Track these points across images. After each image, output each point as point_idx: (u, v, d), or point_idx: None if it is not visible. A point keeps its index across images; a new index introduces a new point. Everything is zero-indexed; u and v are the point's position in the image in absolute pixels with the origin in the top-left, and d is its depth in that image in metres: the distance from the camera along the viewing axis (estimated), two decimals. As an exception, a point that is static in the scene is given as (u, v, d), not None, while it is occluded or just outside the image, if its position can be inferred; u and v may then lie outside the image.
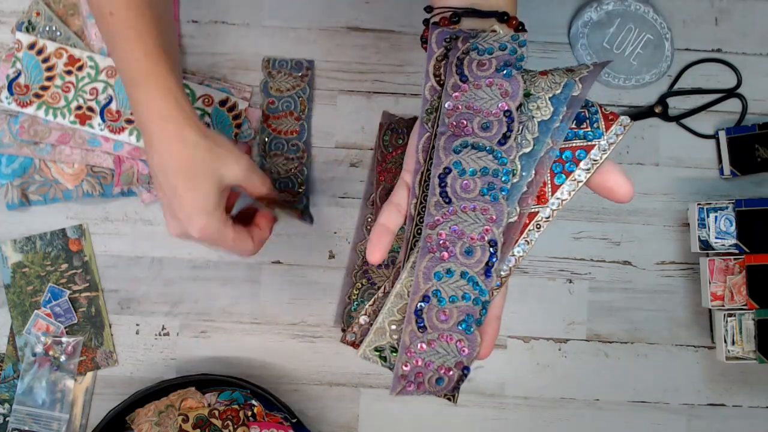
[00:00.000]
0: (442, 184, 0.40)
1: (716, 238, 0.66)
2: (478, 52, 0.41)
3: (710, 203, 0.67)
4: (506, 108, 0.40)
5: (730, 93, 0.71)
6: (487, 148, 0.40)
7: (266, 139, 0.68)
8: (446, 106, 0.41)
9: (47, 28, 0.67)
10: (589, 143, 0.40)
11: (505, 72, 0.40)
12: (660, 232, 0.70)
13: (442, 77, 0.42)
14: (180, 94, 0.50)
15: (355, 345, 0.41)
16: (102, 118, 0.66)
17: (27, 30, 0.66)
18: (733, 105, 0.71)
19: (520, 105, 0.40)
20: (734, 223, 0.66)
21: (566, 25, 0.72)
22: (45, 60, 0.66)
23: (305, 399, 0.68)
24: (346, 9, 0.71)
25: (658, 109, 0.70)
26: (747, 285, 0.65)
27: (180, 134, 0.49)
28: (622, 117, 0.40)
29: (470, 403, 0.69)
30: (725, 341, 0.65)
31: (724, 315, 0.65)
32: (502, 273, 0.40)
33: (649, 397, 0.69)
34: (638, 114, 0.71)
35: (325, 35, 0.70)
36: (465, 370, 0.40)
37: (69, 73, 0.66)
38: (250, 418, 0.60)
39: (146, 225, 0.68)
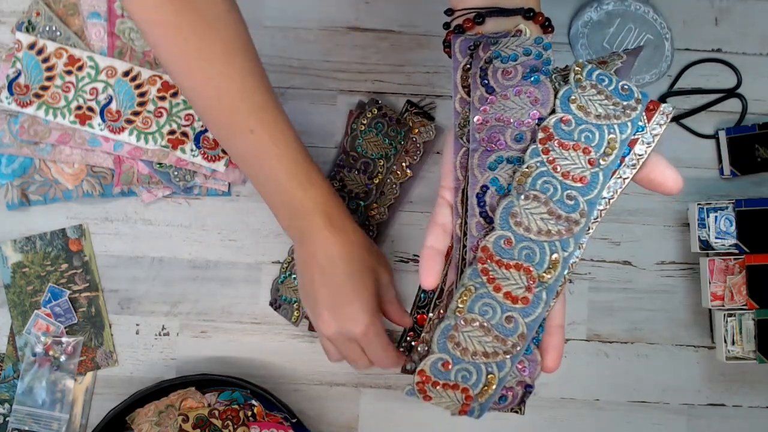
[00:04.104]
0: (481, 204, 0.38)
1: (716, 238, 0.66)
2: (501, 59, 0.39)
3: (710, 203, 0.67)
4: (538, 116, 0.38)
5: (730, 93, 0.71)
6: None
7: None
8: (474, 120, 0.39)
9: (47, 28, 0.67)
10: (632, 138, 0.37)
11: (532, 78, 0.38)
12: (660, 232, 0.70)
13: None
14: (328, 185, 0.50)
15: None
16: (102, 118, 0.66)
17: (27, 30, 0.66)
18: (733, 105, 0.71)
19: (553, 110, 0.38)
20: (734, 223, 0.66)
21: (566, 25, 0.72)
22: (45, 60, 0.66)
23: (305, 399, 0.68)
24: (346, 9, 0.71)
25: (658, 109, 0.70)
26: (747, 285, 0.65)
27: (343, 226, 0.48)
28: (663, 105, 0.38)
29: (470, 403, 0.68)
30: (725, 341, 0.65)
31: (724, 315, 0.65)
32: None
33: (649, 397, 0.69)
34: (638, 114, 0.70)
35: (325, 35, 0.70)
36: (528, 388, 0.39)
37: (69, 73, 0.66)
38: (250, 418, 0.60)
39: (146, 225, 0.68)
